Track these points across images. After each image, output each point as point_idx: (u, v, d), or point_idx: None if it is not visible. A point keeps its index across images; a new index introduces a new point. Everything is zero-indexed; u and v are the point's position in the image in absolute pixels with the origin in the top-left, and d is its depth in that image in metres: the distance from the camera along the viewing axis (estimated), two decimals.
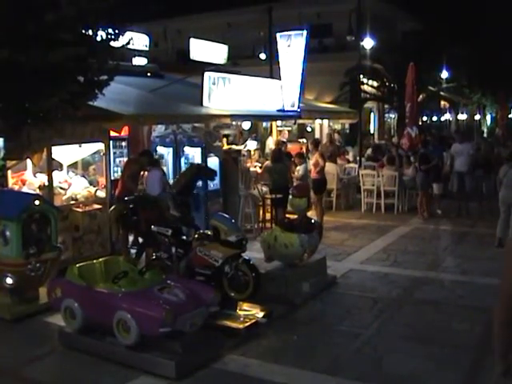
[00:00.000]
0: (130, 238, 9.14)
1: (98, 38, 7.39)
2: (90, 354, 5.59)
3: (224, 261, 6.63)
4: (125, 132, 9.84)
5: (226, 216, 7.40)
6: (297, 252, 7.34)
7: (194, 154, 10.72)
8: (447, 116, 36.43)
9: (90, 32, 7.30)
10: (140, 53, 14.19)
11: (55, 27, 6.77)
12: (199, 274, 6.72)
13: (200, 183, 9.83)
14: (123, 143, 10.22)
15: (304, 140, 16.56)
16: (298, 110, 13.15)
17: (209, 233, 7.07)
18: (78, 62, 7.08)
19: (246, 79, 12.41)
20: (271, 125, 14.96)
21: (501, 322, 2.87)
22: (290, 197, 7.98)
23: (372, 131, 27.37)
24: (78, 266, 6.04)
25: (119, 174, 9.89)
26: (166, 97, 11.00)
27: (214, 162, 10.67)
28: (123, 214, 8.26)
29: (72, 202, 8.77)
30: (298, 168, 11.29)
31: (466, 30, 27.48)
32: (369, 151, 17.44)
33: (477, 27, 28.52)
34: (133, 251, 8.65)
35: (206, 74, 11.01)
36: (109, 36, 7.43)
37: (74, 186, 9.17)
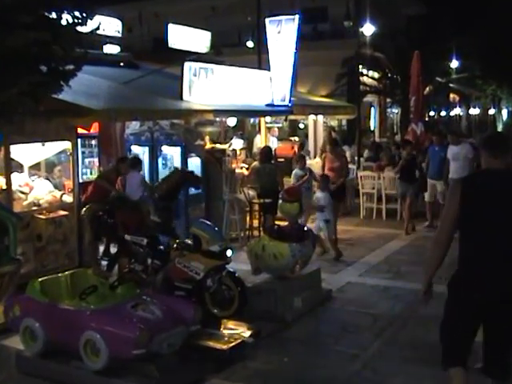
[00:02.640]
0: (101, 248, 9.16)
1: (63, 22, 7.32)
2: (53, 381, 5.52)
3: (206, 273, 6.66)
4: (94, 129, 9.81)
5: (209, 223, 7.43)
6: (288, 263, 7.32)
7: (172, 153, 10.73)
8: (457, 110, 36.68)
9: (54, 15, 7.23)
10: (111, 39, 14.18)
11: (13, 9, 6.70)
12: (178, 288, 6.74)
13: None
14: (93, 142, 10.17)
15: (296, 138, 16.61)
16: (290, 104, 13.09)
17: (189, 242, 7.06)
18: (39, 48, 7.01)
19: (231, 70, 12.38)
20: (259, 121, 14.88)
21: (438, 241, 4.20)
22: (280, 201, 8.03)
23: (372, 128, 27.54)
24: (40, 280, 6.01)
25: (89, 176, 9.87)
26: (141, 89, 10.97)
27: (195, 163, 10.70)
28: (98, 215, 8.24)
29: (34, 208, 8.70)
30: (295, 171, 11.22)
31: (479, 13, 27.51)
32: (366, 153, 17.49)
33: (490, 10, 28.50)
34: (104, 263, 8.61)
35: (187, 64, 10.96)
36: (75, 20, 7.36)
37: (36, 190, 9.11)
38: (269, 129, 15.41)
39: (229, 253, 6.88)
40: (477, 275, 4.15)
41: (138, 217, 8.24)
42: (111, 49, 14.38)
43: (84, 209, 8.62)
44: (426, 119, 24.07)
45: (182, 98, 10.81)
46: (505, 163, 4.33)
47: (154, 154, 10.78)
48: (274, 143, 15.00)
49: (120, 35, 14.59)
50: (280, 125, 17.29)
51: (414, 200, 12.42)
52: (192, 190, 10.40)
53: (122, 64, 13.25)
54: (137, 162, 9.68)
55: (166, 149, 10.77)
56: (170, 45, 13.14)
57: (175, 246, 7.10)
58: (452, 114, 36.22)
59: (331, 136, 16.17)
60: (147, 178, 10.50)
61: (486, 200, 4.16)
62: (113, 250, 8.56)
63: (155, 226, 8.10)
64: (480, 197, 4.16)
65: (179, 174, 9.35)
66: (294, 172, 11.32)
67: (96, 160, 10.06)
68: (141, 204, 8.88)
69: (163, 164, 10.83)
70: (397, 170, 12.37)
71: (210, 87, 11.51)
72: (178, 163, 10.53)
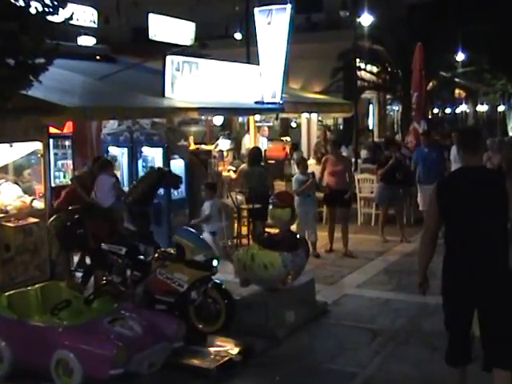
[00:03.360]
0: (75, 259, 9.08)
1: (32, 11, 7.24)
2: None
3: (190, 285, 6.67)
4: (68, 129, 9.79)
5: (193, 231, 7.46)
6: (279, 274, 7.30)
7: (154, 155, 10.76)
8: (463, 107, 36.81)
9: (22, 2, 7.16)
10: (86, 30, 14.12)
11: None
12: (160, 301, 6.74)
13: (162, 191, 9.85)
14: (66, 142, 10.17)
15: (288, 138, 16.64)
16: (281, 101, 12.99)
17: (171, 251, 7.08)
18: (6, 39, 6.95)
19: (217, 64, 12.34)
20: (248, 120, 14.81)
21: (424, 242, 4.91)
22: (271, 207, 8.04)
23: (371, 127, 27.62)
24: (7, 294, 6.01)
25: (62, 180, 9.88)
26: (119, 85, 10.92)
27: (178, 166, 10.71)
28: (66, 226, 8.21)
29: (1, 215, 8.68)
30: (296, 177, 11.10)
31: (487, 0, 27.58)
32: (363, 153, 17.49)
33: None
34: (78, 275, 8.58)
35: (169, 58, 10.89)
36: (46, 8, 7.29)
37: (3, 195, 9.12)
38: (258, 128, 15.40)
39: (215, 263, 6.90)
40: (461, 273, 4.69)
41: (110, 226, 8.20)
42: (86, 41, 14.28)
43: (51, 218, 8.54)
44: (430, 117, 24.13)
45: (163, 95, 10.77)
46: (480, 159, 4.84)
47: (134, 156, 10.83)
48: (263, 144, 14.90)
49: (96, 26, 14.54)
50: (270, 124, 17.28)
51: (402, 205, 12.58)
52: (175, 195, 10.48)
53: (98, 57, 13.21)
54: (107, 163, 9.60)
55: (146, 150, 10.79)
56: (150, 36, 13.09)
57: (156, 255, 7.10)
58: (458, 111, 36.34)
59: (326, 136, 16.22)
60: (126, 183, 10.55)
61: (464, 199, 4.66)
62: (88, 260, 8.53)
63: (130, 235, 8.10)
64: (457, 197, 4.68)
65: (155, 173, 9.33)
66: (294, 177, 11.23)
67: (70, 162, 10.04)
68: (113, 211, 8.84)
69: (143, 167, 10.85)
70: (382, 172, 12.32)
71: (195, 83, 11.47)
72: (159, 166, 10.45)
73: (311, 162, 14.76)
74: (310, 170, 11.56)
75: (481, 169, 4.81)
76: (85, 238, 8.02)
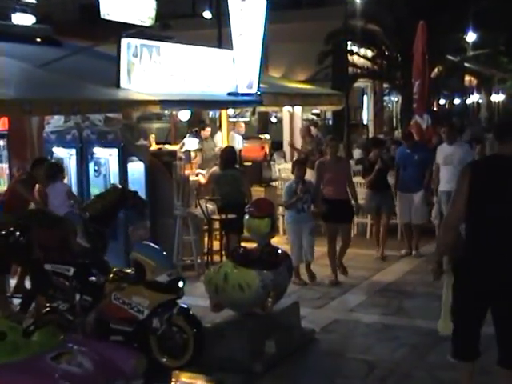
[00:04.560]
0: (12, 282, 9.07)
1: None
2: None
3: (151, 311, 6.71)
4: (3, 126, 9.77)
5: (155, 246, 7.48)
6: (257, 296, 7.26)
7: (107, 157, 10.76)
8: (475, 97, 37.08)
9: None
10: (24, 7, 14.06)
11: None
12: (115, 331, 6.78)
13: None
14: (1, 142, 10.13)
15: (267, 136, 16.67)
16: (258, 92, 13.13)
17: (129, 271, 7.11)
18: None
19: (182, 49, 12.34)
20: (220, 115, 14.94)
21: (448, 226, 5.47)
22: (247, 217, 8.06)
23: (365, 122, 27.76)
24: None
25: None
26: (64, 74, 10.80)
27: (137, 170, 10.75)
28: (6, 232, 8.08)
29: None
30: (288, 185, 10.66)
31: None
32: (356, 153, 17.45)
33: None
34: (15, 301, 8.51)
35: (124, 41, 10.82)
36: None
37: None
38: (233, 125, 15.45)
39: (181, 284, 6.93)
40: (481, 262, 5.26)
41: (61, 236, 8.17)
42: (23, 19, 14.22)
43: None
44: (435, 109, 24.33)
45: (118, 86, 10.71)
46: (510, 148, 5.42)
47: (84, 159, 10.82)
48: (239, 143, 14.97)
49: (35, 1, 14.48)
50: (247, 119, 17.35)
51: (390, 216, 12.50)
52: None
53: (38, 40, 13.16)
54: (56, 170, 9.59)
55: (98, 151, 10.77)
56: (102, 15, 13.01)
57: (112, 276, 7.09)
58: (468, 101, 36.63)
59: (310, 132, 16.24)
60: (74, 190, 10.43)
61: (495, 187, 5.30)
62: (28, 283, 8.47)
63: (82, 252, 8.07)
64: (489, 183, 5.31)
65: (118, 192, 9.33)
66: (286, 185, 10.78)
67: (5, 166, 10.00)
68: (65, 221, 8.80)
69: (95, 171, 10.85)
70: (370, 178, 12.08)
71: (156, 71, 11.44)
72: (114, 170, 10.54)
73: None
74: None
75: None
76: (28, 250, 7.90)
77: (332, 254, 10.77)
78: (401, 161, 12.41)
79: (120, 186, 9.77)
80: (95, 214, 8.86)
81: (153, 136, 13.11)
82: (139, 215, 10.08)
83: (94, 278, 7.30)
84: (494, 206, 5.25)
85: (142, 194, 10.30)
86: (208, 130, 14.74)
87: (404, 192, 12.21)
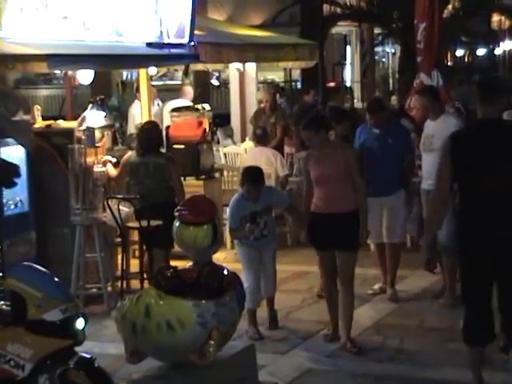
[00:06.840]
0: None
1: None
2: None
3: (36, 365, 6.50)
4: None
5: (42, 270, 7.12)
6: (193, 338, 6.85)
7: None
8: (507, 45, 37.34)
9: None
10: None
11: None
12: None
13: None
14: None
15: (207, 106, 16.53)
16: (192, 43, 13.01)
17: (3, 306, 6.88)
18: None
19: None
20: (139, 76, 14.82)
21: (434, 206, 7.53)
22: (177, 223, 8.00)
23: (349, 84, 27.90)
24: None
25: None
26: None
27: (15, 157, 10.02)
28: None
29: None
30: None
31: None
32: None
33: None
34: None
35: None
36: None
37: None
38: (156, 90, 15.38)
39: (81, 324, 6.67)
40: (479, 229, 6.70)
41: None
42: None
43: None
44: (449, 63, 24.41)
45: None
46: (499, 110, 6.64)
47: None
48: (165, 117, 14.68)
49: None
50: (177, 82, 17.35)
51: None
52: (10, 207, 10.40)
53: None
54: None
55: None
56: None
57: None
58: (498, 51, 37.09)
59: (275, 100, 16.27)
60: None
61: (482, 157, 6.54)
62: None
63: None
64: (476, 154, 6.58)
65: None
66: (233, 202, 10.10)
67: None
68: None
69: None
70: None
71: (42, 12, 11.09)
72: None
73: (248, 145, 14.70)
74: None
75: (498, 121, 6.65)
76: None
77: (331, 299, 9.84)
78: (364, 146, 11.11)
79: None
80: None
81: (38, 108, 12.73)
82: (8, 187, 9.50)
83: None
84: (490, 177, 6.44)
85: (23, 191, 10.12)
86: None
87: (374, 196, 10.82)
